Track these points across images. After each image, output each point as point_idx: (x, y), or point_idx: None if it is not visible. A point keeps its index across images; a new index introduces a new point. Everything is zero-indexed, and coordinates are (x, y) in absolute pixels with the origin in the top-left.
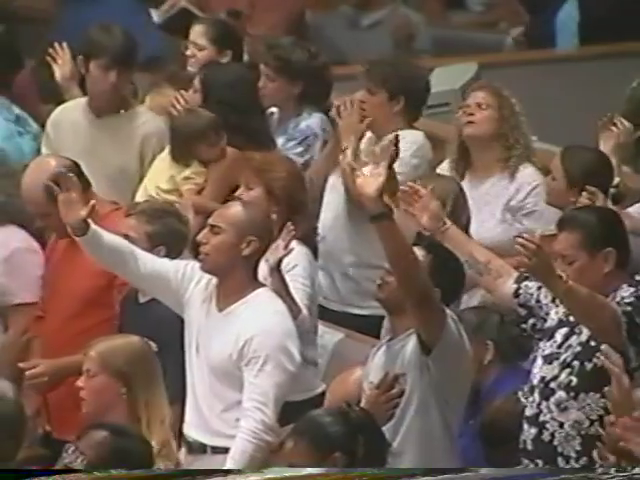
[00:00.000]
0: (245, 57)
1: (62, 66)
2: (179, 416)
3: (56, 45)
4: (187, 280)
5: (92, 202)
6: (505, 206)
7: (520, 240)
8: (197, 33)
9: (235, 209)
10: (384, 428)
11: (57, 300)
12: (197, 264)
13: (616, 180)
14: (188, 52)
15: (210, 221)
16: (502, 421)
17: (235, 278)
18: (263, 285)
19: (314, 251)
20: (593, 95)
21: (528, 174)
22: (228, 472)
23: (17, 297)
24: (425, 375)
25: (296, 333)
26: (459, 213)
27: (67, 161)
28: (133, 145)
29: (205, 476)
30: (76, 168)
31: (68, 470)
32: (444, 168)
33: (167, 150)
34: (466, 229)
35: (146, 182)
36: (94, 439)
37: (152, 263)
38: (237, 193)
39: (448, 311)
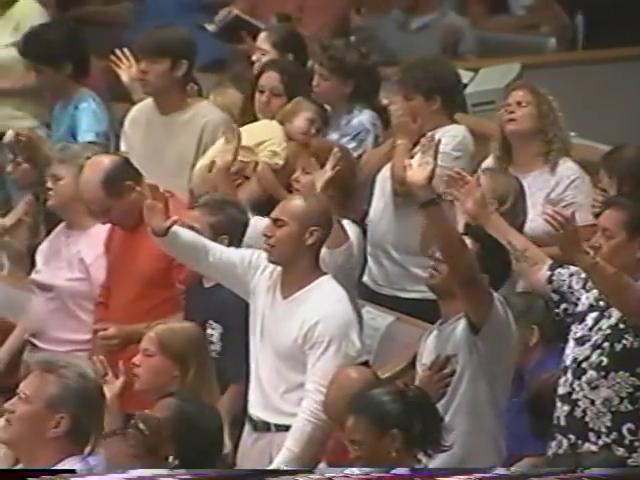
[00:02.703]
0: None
1: (127, 69)
2: (238, 396)
3: (117, 50)
4: (253, 268)
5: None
6: (546, 199)
7: (549, 212)
8: (261, 39)
9: (296, 202)
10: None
11: (120, 285)
12: (263, 253)
13: None
14: (254, 57)
15: (273, 215)
16: (547, 393)
17: (299, 267)
18: (325, 273)
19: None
20: (632, 95)
21: (567, 167)
22: (309, 472)
23: None
24: (474, 354)
25: (357, 321)
26: (518, 210)
27: (119, 158)
28: (194, 134)
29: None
30: (127, 164)
31: (67, 470)
32: (488, 164)
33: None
34: (522, 225)
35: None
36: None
37: (220, 253)
38: (294, 177)
39: (495, 293)
